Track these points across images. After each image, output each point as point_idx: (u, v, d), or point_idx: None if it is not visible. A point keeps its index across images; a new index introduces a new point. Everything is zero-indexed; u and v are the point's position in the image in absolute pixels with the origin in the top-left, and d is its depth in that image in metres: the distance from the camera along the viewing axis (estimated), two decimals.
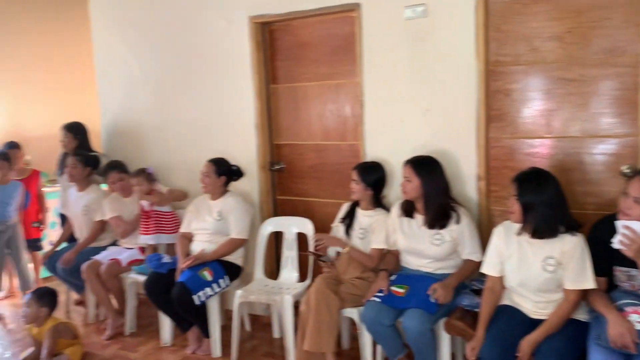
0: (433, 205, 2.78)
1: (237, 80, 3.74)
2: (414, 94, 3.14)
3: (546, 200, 2.31)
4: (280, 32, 3.70)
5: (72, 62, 5.68)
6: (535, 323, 2.33)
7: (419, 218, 2.85)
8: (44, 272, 4.68)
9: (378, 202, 3.11)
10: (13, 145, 4.72)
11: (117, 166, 3.94)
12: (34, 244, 4.72)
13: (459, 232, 2.76)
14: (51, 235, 4.97)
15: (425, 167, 2.80)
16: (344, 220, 3.17)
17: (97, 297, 3.85)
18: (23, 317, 3.31)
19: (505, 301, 2.49)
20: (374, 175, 3.06)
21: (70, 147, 4.24)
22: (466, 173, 3.04)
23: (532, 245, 2.38)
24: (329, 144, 3.63)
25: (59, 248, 4.14)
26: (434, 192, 2.78)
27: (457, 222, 2.76)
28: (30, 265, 4.63)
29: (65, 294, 4.20)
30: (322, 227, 3.41)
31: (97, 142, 4.54)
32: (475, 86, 2.96)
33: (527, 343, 2.27)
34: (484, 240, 2.72)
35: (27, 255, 4.49)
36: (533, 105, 2.91)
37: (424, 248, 2.81)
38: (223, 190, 3.52)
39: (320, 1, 3.34)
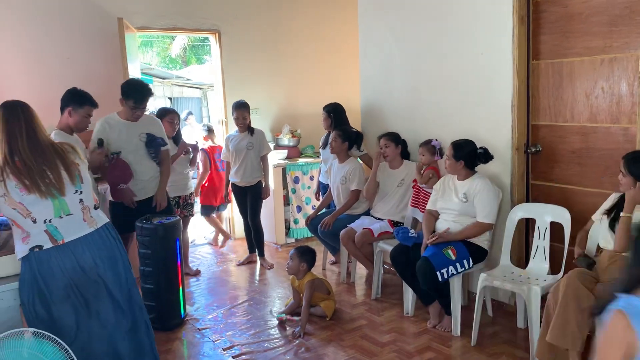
0: None
1: (495, 56, 3.59)
2: None
3: None
4: (548, 3, 3.41)
5: (338, 48, 6.22)
6: None
7: None
8: (305, 233, 5.35)
9: None
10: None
11: (388, 134, 4.19)
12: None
13: None
14: (314, 200, 5.63)
15: None
16: (609, 212, 2.82)
17: (356, 259, 4.28)
18: (287, 269, 3.85)
19: None
20: None
21: (326, 125, 4.71)
22: None
23: None
24: (597, 127, 3.25)
25: (320, 212, 4.67)
26: None
27: None
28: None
29: (322, 253, 4.73)
30: (581, 218, 3.11)
31: (357, 121, 4.91)
32: None
33: None
34: None
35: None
36: None
37: None
38: (469, 172, 3.47)
39: None
